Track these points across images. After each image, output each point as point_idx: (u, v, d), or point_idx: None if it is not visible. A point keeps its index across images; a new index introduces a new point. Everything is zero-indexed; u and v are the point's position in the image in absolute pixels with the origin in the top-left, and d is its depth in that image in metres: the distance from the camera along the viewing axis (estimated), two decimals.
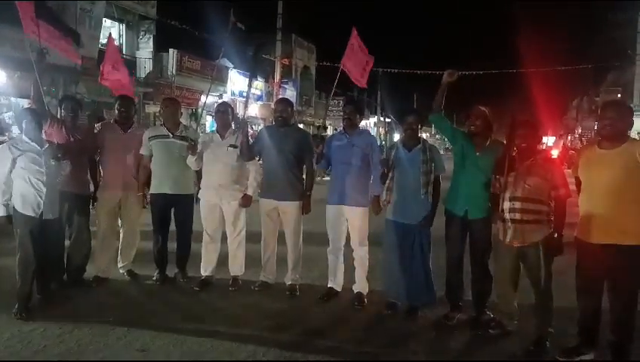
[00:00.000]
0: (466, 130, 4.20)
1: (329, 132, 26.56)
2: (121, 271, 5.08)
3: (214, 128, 5.09)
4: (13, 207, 4.08)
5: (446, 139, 4.82)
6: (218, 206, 4.83)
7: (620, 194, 3.23)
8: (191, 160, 4.79)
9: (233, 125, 5.09)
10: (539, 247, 3.61)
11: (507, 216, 3.69)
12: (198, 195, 4.97)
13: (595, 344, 3.47)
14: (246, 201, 4.82)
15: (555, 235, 3.57)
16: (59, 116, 4.79)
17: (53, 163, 4.17)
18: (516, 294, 3.89)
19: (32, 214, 4.07)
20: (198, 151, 4.76)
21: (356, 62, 5.22)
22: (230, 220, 4.85)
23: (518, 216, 3.65)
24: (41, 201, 4.09)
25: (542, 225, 3.62)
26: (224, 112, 4.92)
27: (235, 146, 4.78)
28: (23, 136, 4.16)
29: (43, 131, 4.20)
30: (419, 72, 29.58)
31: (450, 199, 4.16)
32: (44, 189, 4.11)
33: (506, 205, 3.70)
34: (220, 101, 6.13)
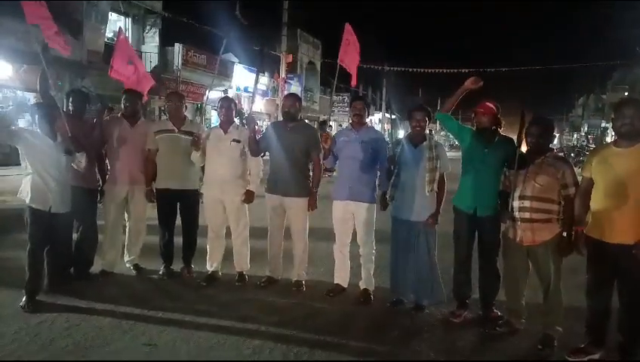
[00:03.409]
0: (473, 126, 4.18)
1: (333, 129, 26.51)
2: (127, 265, 5.09)
3: (219, 123, 5.07)
4: (24, 200, 4.09)
5: (452, 136, 4.78)
6: (221, 201, 4.82)
7: (633, 194, 3.19)
8: (195, 155, 4.78)
9: (237, 120, 5.07)
10: (548, 246, 3.59)
11: (517, 214, 3.68)
12: (201, 190, 4.97)
13: (604, 344, 3.45)
14: (248, 197, 4.80)
15: (565, 234, 3.55)
16: (66, 110, 4.79)
17: (65, 157, 4.17)
18: (524, 293, 3.87)
19: (42, 208, 4.08)
20: (201, 146, 4.74)
21: (352, 59, 5.19)
22: (233, 216, 4.84)
23: (527, 214, 3.63)
24: (51, 196, 4.10)
25: (552, 224, 3.60)
26: (228, 108, 4.89)
27: (238, 141, 4.76)
28: (37, 130, 4.16)
29: (54, 125, 4.20)
30: (426, 70, 29.49)
31: (459, 196, 4.14)
32: (55, 183, 4.12)
33: (516, 204, 3.68)
34: (223, 96, 6.09)
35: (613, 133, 3.52)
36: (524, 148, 3.81)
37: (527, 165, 3.67)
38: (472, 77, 4.12)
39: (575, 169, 3.75)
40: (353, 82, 5.41)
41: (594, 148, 4.27)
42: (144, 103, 5.53)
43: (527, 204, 3.63)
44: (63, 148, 4.16)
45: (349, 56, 5.17)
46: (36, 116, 4.16)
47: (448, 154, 4.46)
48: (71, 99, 4.78)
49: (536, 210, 3.61)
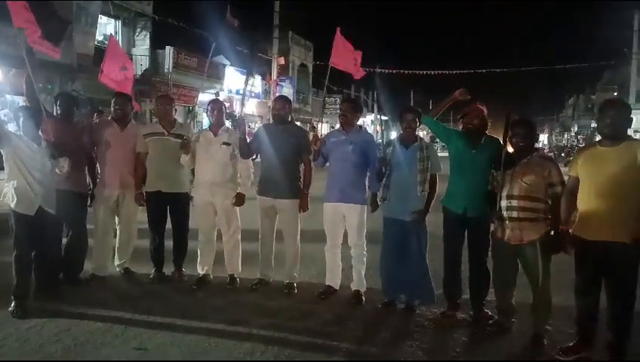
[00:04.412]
0: (461, 127, 4.21)
1: (325, 130, 26.55)
2: (117, 269, 5.06)
3: (209, 126, 5.05)
4: (9, 205, 4.06)
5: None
6: (211, 204, 4.81)
7: (619, 192, 3.23)
8: (184, 158, 4.76)
9: (229, 123, 5.07)
10: (536, 245, 3.62)
11: (504, 214, 3.70)
12: (192, 193, 4.95)
13: (593, 342, 3.47)
14: (239, 200, 4.79)
15: (552, 233, 3.58)
16: (54, 113, 4.77)
17: (50, 161, 4.14)
18: (514, 292, 3.90)
19: (27, 212, 4.05)
20: (190, 149, 4.73)
21: (346, 60, 5.31)
22: (224, 219, 4.82)
23: (515, 214, 3.66)
24: (36, 200, 4.07)
25: (539, 223, 3.63)
26: (218, 110, 4.90)
27: (228, 144, 4.76)
28: (21, 134, 4.14)
29: (40, 129, 4.18)
30: (416, 72, 29.67)
31: (449, 197, 4.16)
32: (40, 188, 4.10)
33: (504, 203, 3.71)
34: (213, 98, 6.10)
35: None
36: (511, 149, 3.85)
37: (515, 165, 3.70)
38: (461, 88, 4.19)
39: (564, 168, 3.79)
40: (356, 76, 5.52)
41: (580, 147, 4.33)
42: (135, 111, 5.51)
43: (514, 203, 3.66)
44: (47, 153, 4.13)
45: (341, 59, 5.25)
46: (21, 120, 4.14)
47: (440, 154, 4.49)
48: (59, 102, 4.76)
49: (524, 209, 3.64)
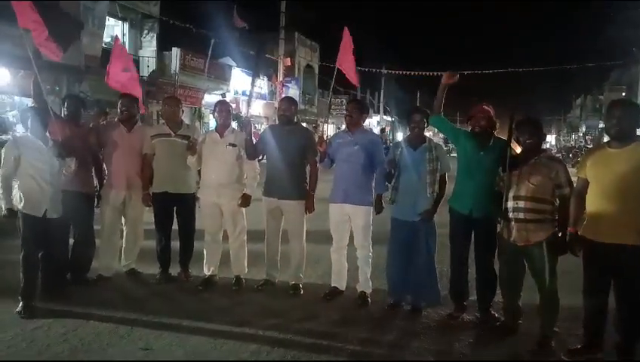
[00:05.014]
0: (469, 129, 4.19)
1: (331, 131, 26.55)
2: (124, 269, 5.08)
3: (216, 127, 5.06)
4: (16, 206, 4.09)
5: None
6: (217, 205, 4.82)
7: (628, 194, 3.21)
8: (191, 160, 4.78)
9: (235, 125, 5.07)
10: (543, 246, 3.59)
11: (511, 215, 3.68)
12: (198, 194, 4.97)
13: (601, 344, 3.45)
14: (245, 201, 4.79)
15: (560, 234, 3.55)
16: (62, 115, 4.80)
17: (58, 161, 4.17)
18: (521, 293, 3.87)
19: (35, 214, 4.08)
20: (197, 150, 4.74)
21: (349, 62, 5.22)
22: (230, 220, 4.83)
23: (521, 215, 3.63)
24: (44, 201, 4.10)
25: (546, 224, 3.60)
26: (225, 111, 4.90)
27: (234, 145, 4.76)
28: (29, 135, 4.16)
29: (47, 130, 4.20)
30: (422, 73, 29.56)
31: (455, 198, 4.14)
32: (48, 188, 4.12)
33: (510, 204, 3.68)
34: (219, 100, 6.13)
35: None
36: (519, 150, 3.83)
37: (521, 165, 3.68)
38: (446, 73, 4.14)
39: (572, 170, 3.76)
40: (356, 84, 5.46)
41: (589, 149, 4.30)
42: (142, 113, 5.53)
43: (521, 204, 3.63)
44: (55, 153, 4.16)
45: (346, 61, 5.20)
46: (29, 120, 4.16)
47: (453, 155, 4.47)
48: (66, 104, 4.80)
49: (530, 211, 3.61)
